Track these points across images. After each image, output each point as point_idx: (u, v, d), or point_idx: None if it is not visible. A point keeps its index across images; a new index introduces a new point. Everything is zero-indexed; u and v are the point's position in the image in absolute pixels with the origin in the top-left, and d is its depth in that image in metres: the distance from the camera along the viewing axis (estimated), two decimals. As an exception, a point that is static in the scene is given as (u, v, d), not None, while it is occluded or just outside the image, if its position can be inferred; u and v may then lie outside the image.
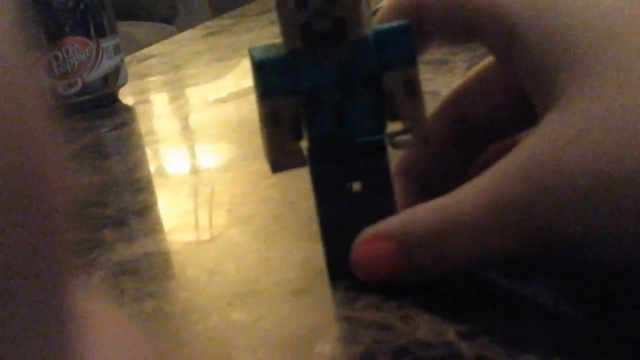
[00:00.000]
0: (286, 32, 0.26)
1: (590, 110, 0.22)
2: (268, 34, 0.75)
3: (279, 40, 0.27)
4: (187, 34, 0.86)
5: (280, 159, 0.27)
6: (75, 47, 0.57)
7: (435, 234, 0.24)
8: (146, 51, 0.79)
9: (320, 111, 0.26)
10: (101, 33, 0.58)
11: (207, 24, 0.90)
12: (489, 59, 0.28)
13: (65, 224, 0.11)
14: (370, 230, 0.26)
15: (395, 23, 0.27)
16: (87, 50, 0.58)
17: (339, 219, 0.27)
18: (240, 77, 0.61)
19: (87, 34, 0.58)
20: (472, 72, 0.29)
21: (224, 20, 0.89)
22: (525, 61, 0.24)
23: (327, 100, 0.26)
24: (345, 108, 0.26)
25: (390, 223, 0.26)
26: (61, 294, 0.11)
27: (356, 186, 0.27)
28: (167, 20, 1.62)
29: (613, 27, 0.23)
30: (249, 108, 0.52)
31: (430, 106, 0.28)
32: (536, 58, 0.24)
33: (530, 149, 0.23)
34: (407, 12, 0.27)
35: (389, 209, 0.27)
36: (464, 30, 0.27)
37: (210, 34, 0.82)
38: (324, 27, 0.25)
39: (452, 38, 0.27)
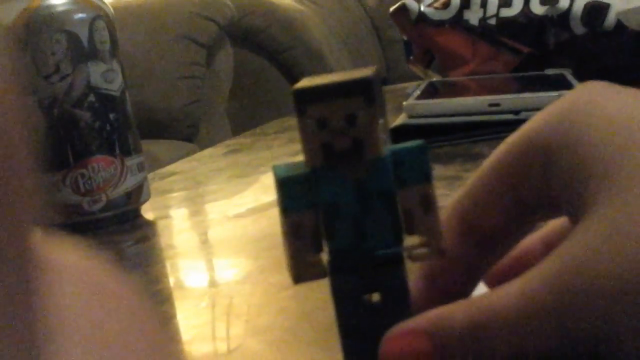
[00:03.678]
0: (308, 151, 0.27)
1: (615, 218, 0.24)
2: (285, 151, 0.77)
3: (298, 158, 0.28)
4: (207, 151, 0.88)
5: (301, 270, 0.28)
6: (101, 165, 0.59)
7: (471, 333, 0.25)
8: (168, 168, 0.81)
9: (340, 225, 0.28)
10: (126, 151, 0.60)
11: (227, 142, 0.93)
12: (486, 168, 0.29)
13: (24, 169, 0.12)
14: (403, 326, 0.27)
15: (411, 142, 0.28)
16: (112, 168, 0.60)
17: (358, 330, 0.28)
18: (259, 193, 0.63)
19: (112, 153, 0.60)
20: (476, 183, 0.30)
21: (244, 139, 0.91)
22: (559, 177, 0.26)
23: (346, 215, 0.28)
24: (363, 223, 0.28)
25: (423, 319, 0.27)
26: (21, 239, 0.12)
27: (375, 297, 0.28)
28: (189, 139, 1.66)
29: (634, 140, 0.25)
30: (268, 223, 0.53)
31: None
32: (568, 173, 0.26)
33: (565, 255, 0.25)
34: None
35: (407, 319, 0.28)
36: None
37: (231, 151, 0.84)
38: (343, 147, 0.27)
39: None
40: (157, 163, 1.02)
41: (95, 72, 0.59)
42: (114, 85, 0.60)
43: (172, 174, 0.78)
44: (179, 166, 0.82)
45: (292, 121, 0.96)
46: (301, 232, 0.28)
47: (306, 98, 0.27)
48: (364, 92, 0.27)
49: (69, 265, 0.18)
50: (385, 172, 0.27)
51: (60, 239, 0.19)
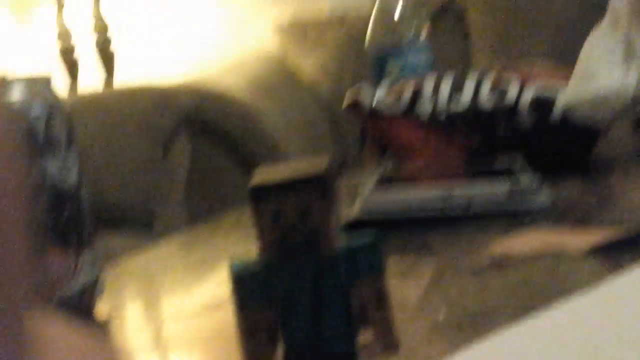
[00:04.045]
0: (263, 245, 0.28)
1: None
2: (240, 247, 0.77)
3: (255, 254, 0.29)
4: (162, 244, 0.88)
5: None
6: (55, 260, 0.59)
7: None
8: (122, 262, 0.80)
9: (295, 321, 0.28)
10: (81, 246, 0.60)
11: (182, 234, 0.93)
12: None
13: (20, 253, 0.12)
14: None
15: (364, 236, 0.29)
16: (66, 264, 0.59)
17: None
18: (215, 287, 0.62)
19: (66, 249, 0.59)
20: None
21: (200, 231, 0.91)
22: None
23: (301, 310, 0.28)
24: (318, 317, 0.28)
25: None
26: (17, 318, 0.12)
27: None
28: (144, 229, 1.66)
29: None
30: (223, 319, 0.53)
31: (397, 315, 0.30)
32: None
33: None
34: None
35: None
36: None
37: (186, 243, 0.84)
38: (298, 240, 0.27)
39: None
40: (110, 255, 1.01)
41: (52, 166, 0.59)
42: (70, 180, 0.60)
43: (126, 267, 0.77)
44: (133, 260, 0.81)
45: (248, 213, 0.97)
46: (257, 329, 0.28)
47: (261, 194, 0.27)
48: (317, 187, 0.27)
49: (60, 339, 0.18)
50: (339, 267, 0.28)
51: (49, 314, 0.18)
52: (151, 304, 0.62)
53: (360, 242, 0.29)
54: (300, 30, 2.39)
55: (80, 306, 0.60)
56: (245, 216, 0.96)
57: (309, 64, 2.38)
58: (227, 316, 0.54)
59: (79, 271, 0.60)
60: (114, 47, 2.22)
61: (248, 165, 1.94)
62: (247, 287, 0.28)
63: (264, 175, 0.29)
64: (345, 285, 0.28)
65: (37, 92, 0.59)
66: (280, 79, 2.21)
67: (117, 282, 0.70)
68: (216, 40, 2.43)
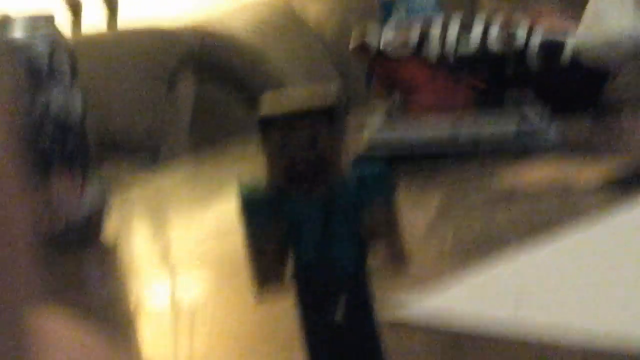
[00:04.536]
0: (271, 172, 0.28)
1: None
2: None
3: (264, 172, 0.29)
4: (168, 172, 0.88)
5: (265, 287, 0.28)
6: (60, 189, 0.59)
7: None
8: (128, 188, 0.80)
9: (304, 244, 0.28)
10: (86, 172, 0.60)
11: (189, 162, 0.93)
12: None
13: (27, 253, 0.12)
14: None
15: (375, 163, 0.29)
16: (72, 189, 0.59)
17: (324, 348, 0.28)
18: (221, 214, 0.63)
19: (72, 177, 0.59)
20: None
21: (206, 160, 0.91)
22: None
23: (309, 234, 0.28)
24: (327, 241, 0.28)
25: None
26: (17, 311, 0.12)
27: (339, 316, 0.28)
28: (149, 160, 1.66)
29: None
30: (230, 243, 0.53)
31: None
32: None
33: None
34: None
35: (373, 338, 0.28)
36: None
37: (192, 172, 0.84)
38: (306, 168, 0.28)
39: None
40: (117, 184, 1.01)
41: (55, 98, 0.59)
42: (73, 111, 0.60)
43: (133, 194, 0.77)
44: (139, 187, 0.82)
45: (253, 145, 0.96)
46: (266, 250, 0.28)
47: (269, 124, 0.27)
48: (326, 117, 0.27)
49: (61, 336, 0.18)
50: (348, 192, 0.28)
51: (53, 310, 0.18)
52: (158, 229, 0.62)
53: (370, 170, 0.29)
54: (306, -28, 2.36)
55: (88, 230, 0.60)
56: (250, 148, 0.96)
57: (315, 8, 2.36)
58: (235, 241, 0.54)
59: (85, 196, 0.60)
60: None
61: (252, 103, 1.94)
62: (255, 208, 0.28)
63: (272, 103, 0.29)
64: (355, 209, 0.28)
65: (40, 29, 0.59)
66: (285, 21, 2.19)
67: (124, 208, 0.71)
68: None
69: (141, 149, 1.72)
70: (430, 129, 0.69)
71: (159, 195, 0.75)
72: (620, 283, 0.35)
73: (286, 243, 0.28)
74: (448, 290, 0.37)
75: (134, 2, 2.28)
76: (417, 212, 0.53)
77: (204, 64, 1.86)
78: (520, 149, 0.68)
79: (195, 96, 1.87)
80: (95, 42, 1.80)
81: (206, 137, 1.87)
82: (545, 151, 0.67)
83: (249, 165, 0.83)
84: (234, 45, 1.92)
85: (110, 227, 0.64)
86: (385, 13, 1.19)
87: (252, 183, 0.29)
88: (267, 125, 0.28)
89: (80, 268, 0.54)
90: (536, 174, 0.60)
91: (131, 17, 2.20)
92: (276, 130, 0.27)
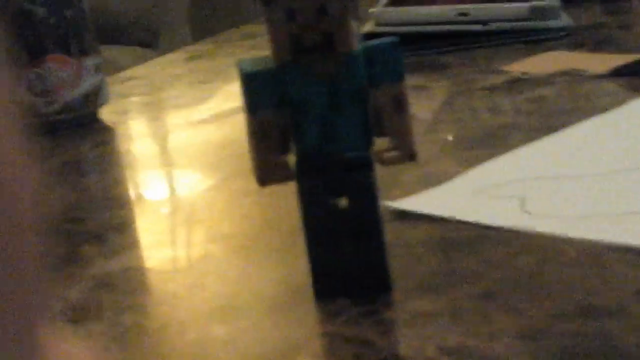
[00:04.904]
0: (275, 45, 0.26)
1: None
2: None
3: (266, 53, 0.27)
4: (168, 57, 0.86)
5: (267, 172, 0.27)
6: (57, 64, 0.57)
7: None
8: (127, 73, 0.78)
9: (308, 125, 0.27)
10: (83, 52, 0.58)
11: (189, 48, 0.90)
12: None
13: (36, 255, 0.11)
14: None
15: (384, 40, 0.27)
16: (68, 68, 0.57)
17: (325, 234, 0.27)
18: (222, 100, 0.61)
19: (68, 52, 0.57)
20: None
21: (206, 45, 0.89)
22: None
23: (315, 114, 0.27)
24: (333, 122, 0.27)
25: None
26: (30, 328, 0.11)
27: (342, 202, 0.27)
28: (148, 45, 1.63)
29: None
30: (231, 129, 0.52)
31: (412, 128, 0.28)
32: None
33: None
34: None
35: (375, 225, 0.27)
36: None
37: (192, 57, 0.82)
38: (313, 41, 0.26)
39: None
40: (116, 68, 0.99)
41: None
42: (71, -17, 0.57)
43: (131, 78, 0.75)
44: (138, 71, 0.80)
45: (256, 28, 0.94)
46: (268, 132, 0.27)
47: (274, -14, 0.25)
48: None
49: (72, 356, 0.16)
50: (356, 68, 0.26)
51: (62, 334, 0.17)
52: (157, 114, 0.61)
53: (379, 46, 0.27)
54: None
55: (84, 111, 0.59)
56: (254, 31, 0.93)
57: None
58: (236, 127, 0.53)
59: (82, 76, 0.58)
60: None
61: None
62: (257, 86, 0.26)
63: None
64: (362, 88, 0.26)
65: None
66: None
67: (122, 91, 0.69)
68: None
69: (139, 32, 1.68)
70: (438, 8, 0.67)
71: (157, 79, 0.73)
72: (631, 174, 0.34)
73: (289, 124, 0.27)
74: (451, 185, 0.35)
75: None
76: (421, 101, 0.52)
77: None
78: (531, 30, 0.65)
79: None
80: None
81: (205, 22, 1.83)
82: (556, 35, 0.64)
83: (249, 49, 0.81)
84: None
85: (107, 109, 0.62)
86: None
87: (254, 59, 0.27)
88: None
89: (78, 151, 0.53)
90: (546, 61, 0.58)
91: None
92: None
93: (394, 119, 0.27)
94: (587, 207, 0.31)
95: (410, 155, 0.27)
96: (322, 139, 0.27)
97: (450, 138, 0.40)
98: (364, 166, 0.27)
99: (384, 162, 0.27)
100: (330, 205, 0.27)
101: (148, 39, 1.67)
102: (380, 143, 0.27)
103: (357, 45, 0.26)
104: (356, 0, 0.28)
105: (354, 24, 0.26)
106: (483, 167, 0.37)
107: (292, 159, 0.27)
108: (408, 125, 0.27)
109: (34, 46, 0.56)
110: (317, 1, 0.25)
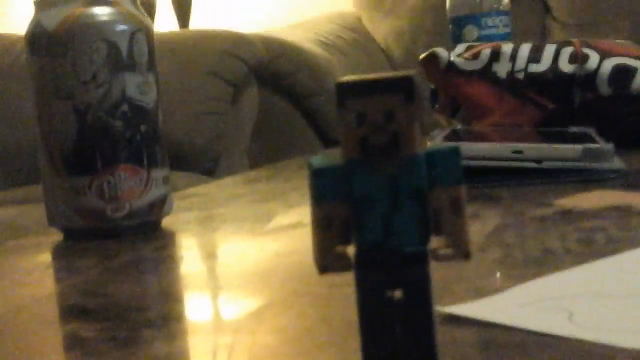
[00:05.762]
0: (346, 145, 0.28)
1: None
2: (306, 182, 0.78)
3: (333, 154, 0.29)
4: (228, 179, 0.89)
5: (327, 261, 0.29)
6: (128, 174, 0.60)
7: None
8: (189, 190, 0.82)
9: (369, 219, 0.28)
10: (153, 163, 0.61)
11: (248, 173, 0.94)
12: None
13: None
14: None
15: (445, 145, 0.29)
16: (138, 177, 0.61)
17: (380, 326, 0.29)
18: (281, 216, 0.63)
19: (140, 163, 0.61)
20: None
21: (264, 171, 0.92)
22: None
23: (376, 209, 0.28)
24: (392, 219, 0.28)
25: None
26: None
27: (398, 295, 0.29)
28: (208, 173, 1.68)
29: None
30: (289, 241, 0.54)
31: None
32: None
33: None
34: None
35: (428, 319, 0.28)
36: None
37: (251, 180, 0.85)
38: (380, 141, 0.28)
39: None
40: (175, 190, 1.03)
41: (131, 83, 0.60)
42: (148, 98, 0.61)
43: (193, 195, 0.79)
44: (200, 190, 0.83)
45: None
46: (331, 223, 0.29)
47: (348, 91, 0.28)
48: (404, 89, 0.28)
49: None
50: (418, 169, 0.28)
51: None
52: (216, 226, 0.63)
53: (440, 151, 0.29)
54: (378, -6, 2.37)
55: (148, 219, 0.61)
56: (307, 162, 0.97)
57: (384, 28, 2.37)
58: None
59: (150, 186, 0.61)
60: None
61: (316, 122, 1.95)
62: (324, 180, 0.29)
63: (352, 78, 0.29)
64: (422, 189, 0.28)
65: (123, 11, 0.61)
66: (353, 39, 2.21)
67: (185, 205, 0.72)
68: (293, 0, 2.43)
69: (200, 158, 1.74)
70: (493, 145, 0.69)
71: (217, 197, 0.76)
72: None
73: (351, 218, 0.29)
74: (501, 296, 0.37)
75: (205, 13, 2.32)
76: (474, 224, 0.53)
77: (271, 74, 1.88)
78: (584, 171, 0.67)
79: (258, 109, 1.89)
80: (165, 40, 1.82)
81: (265, 152, 1.89)
82: (608, 178, 0.66)
83: (303, 181, 0.84)
84: (301, 57, 1.94)
85: (169, 219, 0.65)
86: (456, 35, 1.19)
87: (324, 156, 0.30)
88: (346, 91, 0.28)
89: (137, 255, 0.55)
90: (597, 197, 0.59)
91: (200, 26, 2.23)
92: (354, 98, 0.28)
93: (451, 219, 0.29)
94: (636, 322, 0.32)
95: (465, 254, 0.29)
96: (381, 234, 0.28)
97: (498, 275, 0.42)
98: (420, 261, 0.28)
99: (438, 259, 0.29)
100: (386, 298, 0.29)
101: (208, 168, 1.73)
102: (437, 241, 0.29)
103: (421, 149, 0.28)
104: (423, 106, 0.30)
105: (419, 129, 0.29)
106: (532, 283, 0.38)
107: (351, 250, 0.29)
108: (464, 225, 0.29)
109: (108, 155, 0.60)
110: (386, 106, 0.27)
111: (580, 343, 0.31)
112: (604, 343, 0.30)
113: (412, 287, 0.28)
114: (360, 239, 0.29)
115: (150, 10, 2.15)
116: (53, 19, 0.60)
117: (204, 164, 1.73)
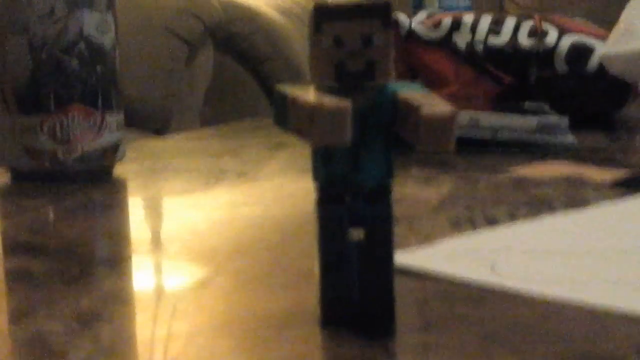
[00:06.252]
0: (320, 71, 0.27)
1: None
2: (259, 141, 0.77)
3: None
4: (180, 135, 0.88)
5: None
6: (81, 115, 0.59)
7: None
8: (142, 142, 0.80)
9: (334, 153, 0.28)
10: (108, 107, 0.60)
11: (200, 130, 0.93)
12: None
13: None
14: None
15: (407, 82, 0.29)
16: (92, 120, 0.59)
17: (338, 263, 0.28)
18: (232, 170, 0.63)
19: (94, 105, 0.59)
20: None
21: (217, 130, 0.91)
22: None
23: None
24: (358, 153, 0.28)
25: None
26: None
27: (359, 233, 0.28)
28: (158, 133, 1.66)
29: None
30: (241, 193, 0.53)
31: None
32: None
33: None
34: None
35: (388, 258, 0.28)
36: None
37: (203, 137, 0.84)
38: (357, 67, 0.27)
39: None
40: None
41: (90, 20, 0.59)
42: (106, 38, 0.60)
43: (144, 147, 0.77)
44: (151, 142, 0.82)
45: (267, 121, 0.96)
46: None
47: (325, 14, 0.27)
48: (382, 14, 0.27)
49: None
50: (387, 102, 0.28)
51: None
52: (153, 205, 0.62)
53: (407, 84, 0.29)
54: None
55: (100, 165, 0.60)
56: (262, 125, 0.96)
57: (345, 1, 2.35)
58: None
59: (103, 130, 0.60)
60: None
61: (268, 87, 1.94)
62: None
63: (327, 3, 0.28)
64: (389, 121, 0.28)
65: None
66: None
67: (134, 156, 0.71)
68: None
69: (152, 115, 1.71)
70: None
71: (164, 158, 0.75)
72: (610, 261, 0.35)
73: (316, 151, 0.28)
74: (430, 250, 0.37)
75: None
76: (429, 188, 0.54)
77: (227, 36, 1.86)
78: (538, 144, 0.68)
79: (213, 69, 1.87)
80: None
81: (217, 113, 1.87)
82: (562, 151, 0.67)
83: (257, 143, 0.83)
84: (259, 22, 1.92)
85: (119, 170, 0.64)
86: (417, 5, 1.19)
87: (295, 86, 0.29)
88: (322, 15, 0.27)
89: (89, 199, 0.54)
90: (550, 167, 0.60)
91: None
92: (331, 22, 0.27)
93: (423, 97, 0.27)
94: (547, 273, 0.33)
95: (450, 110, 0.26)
96: (346, 169, 0.28)
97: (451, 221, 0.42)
98: (384, 196, 0.28)
99: (425, 119, 0.26)
100: (347, 234, 0.28)
101: (159, 127, 1.71)
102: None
103: (391, 81, 0.28)
104: (394, 41, 0.29)
105: (393, 58, 0.28)
106: (464, 237, 0.39)
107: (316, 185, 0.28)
108: (437, 97, 0.27)
109: (61, 95, 0.58)
110: (364, 31, 0.27)
111: (532, 296, 0.31)
112: (520, 291, 0.31)
113: (373, 224, 0.28)
114: (325, 173, 0.28)
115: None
116: (12, -49, 0.58)
117: (155, 123, 1.71)
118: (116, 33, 0.61)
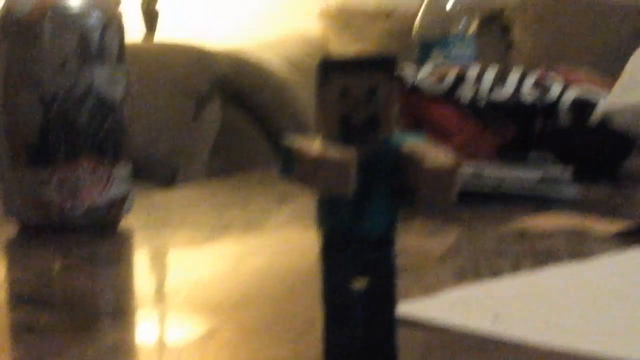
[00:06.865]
0: (325, 122, 0.28)
1: None
2: (265, 195, 0.78)
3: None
4: (187, 187, 0.89)
5: None
6: (90, 169, 0.60)
7: None
8: (150, 193, 0.81)
9: (339, 204, 0.28)
10: (116, 159, 0.61)
11: (207, 182, 0.93)
12: None
13: None
14: None
15: (411, 133, 0.29)
16: (100, 174, 0.60)
17: (342, 311, 0.29)
18: (238, 223, 0.63)
19: (102, 159, 0.60)
20: None
21: (224, 182, 0.92)
22: None
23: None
24: (362, 205, 0.28)
25: None
26: None
27: (362, 283, 0.29)
28: (166, 186, 1.67)
29: None
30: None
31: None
32: None
33: None
34: None
35: (391, 308, 0.28)
36: None
37: (210, 190, 0.85)
38: (361, 120, 0.28)
39: None
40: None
41: (100, 75, 0.60)
42: (116, 91, 0.61)
43: (152, 198, 0.78)
44: (159, 193, 0.82)
45: (273, 173, 0.97)
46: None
47: (332, 67, 0.28)
48: (387, 67, 0.28)
49: None
50: (392, 152, 0.28)
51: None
52: (158, 257, 0.63)
53: (409, 135, 0.29)
54: (345, 19, 2.39)
55: (107, 218, 0.61)
56: (268, 178, 0.97)
57: (351, 52, 2.38)
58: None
59: (111, 183, 0.61)
60: (158, 7, 2.24)
61: (275, 138, 1.95)
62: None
63: (334, 57, 0.29)
64: (393, 173, 0.28)
65: (96, 2, 0.60)
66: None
67: (142, 206, 0.71)
68: (261, 17, 2.43)
69: (159, 168, 1.72)
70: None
71: (171, 210, 0.75)
72: (612, 313, 0.35)
73: (319, 202, 0.28)
74: (433, 301, 0.38)
75: (172, 23, 2.31)
76: (434, 239, 0.54)
77: (235, 90, 1.88)
78: (541, 197, 0.68)
79: (220, 124, 1.88)
80: (129, 52, 1.81)
81: (224, 166, 1.88)
82: (565, 203, 0.67)
83: (264, 193, 0.83)
84: (265, 76, 1.94)
85: (129, 218, 0.64)
86: (423, 57, 1.20)
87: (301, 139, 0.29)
88: (328, 68, 0.28)
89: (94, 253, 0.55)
90: (554, 219, 0.60)
91: (168, 37, 2.22)
92: (336, 75, 0.28)
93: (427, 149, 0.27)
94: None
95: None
96: (350, 219, 0.28)
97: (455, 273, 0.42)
98: (387, 247, 0.28)
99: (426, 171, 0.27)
100: (350, 284, 0.29)
101: (166, 182, 1.71)
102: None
103: (395, 133, 0.28)
104: (398, 94, 0.30)
105: (396, 111, 0.29)
106: (468, 287, 0.39)
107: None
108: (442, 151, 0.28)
109: (70, 148, 0.59)
110: (369, 84, 0.28)
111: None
112: (523, 341, 0.31)
113: (377, 274, 0.28)
114: (329, 223, 0.29)
115: (153, 22, 2.15)
116: (24, 6, 0.59)
117: (161, 176, 1.72)
118: (127, 85, 0.62)
